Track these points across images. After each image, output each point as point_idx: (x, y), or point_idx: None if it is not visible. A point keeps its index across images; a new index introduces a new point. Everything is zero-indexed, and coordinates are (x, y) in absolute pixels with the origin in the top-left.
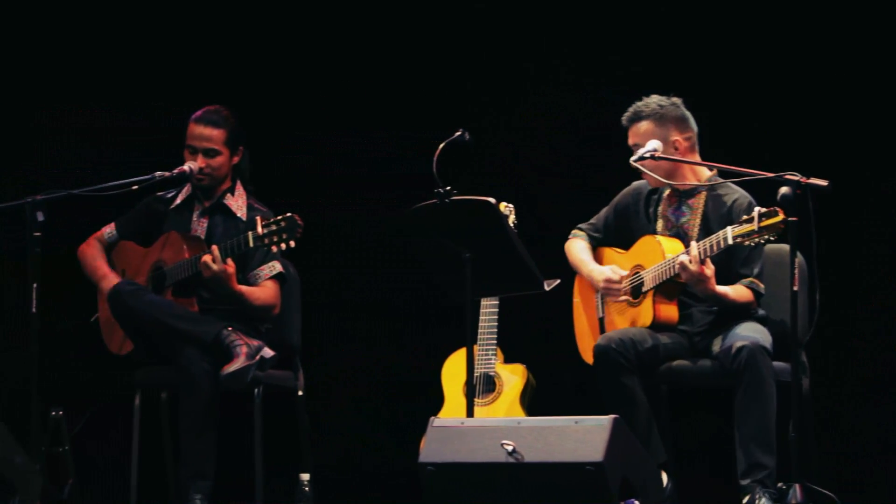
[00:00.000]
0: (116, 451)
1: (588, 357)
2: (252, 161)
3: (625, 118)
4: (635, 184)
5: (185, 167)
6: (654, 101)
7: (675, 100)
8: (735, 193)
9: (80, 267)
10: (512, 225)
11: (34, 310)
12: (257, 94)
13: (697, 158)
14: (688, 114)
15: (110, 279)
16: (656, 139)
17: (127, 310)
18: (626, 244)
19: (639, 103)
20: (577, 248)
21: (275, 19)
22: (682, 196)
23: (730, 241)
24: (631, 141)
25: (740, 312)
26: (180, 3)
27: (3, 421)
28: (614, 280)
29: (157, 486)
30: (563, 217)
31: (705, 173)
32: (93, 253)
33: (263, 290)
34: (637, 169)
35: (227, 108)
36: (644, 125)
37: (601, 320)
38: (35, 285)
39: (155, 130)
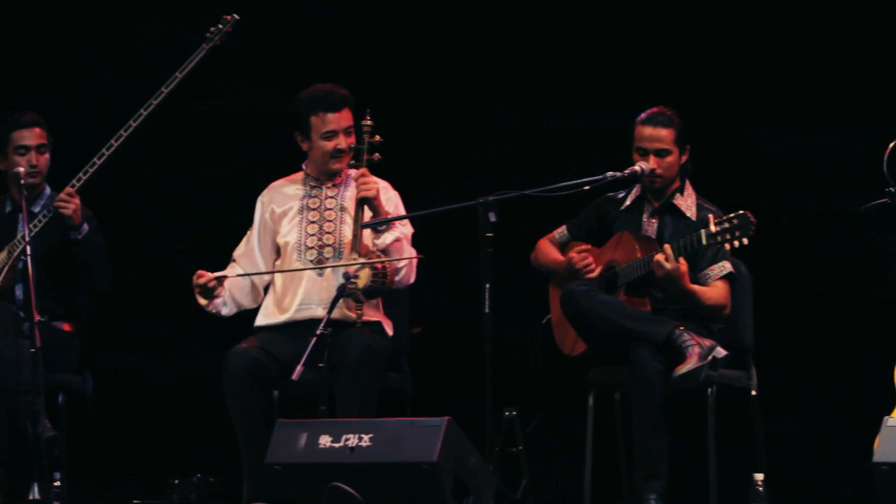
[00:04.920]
0: (570, 450)
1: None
2: (694, 160)
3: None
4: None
5: (637, 168)
6: None
7: None
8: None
9: (536, 267)
10: None
11: (487, 310)
12: (699, 95)
13: None
14: None
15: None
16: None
17: (579, 310)
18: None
19: None
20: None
21: (706, 21)
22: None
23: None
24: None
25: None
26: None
27: (456, 421)
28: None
29: (610, 486)
30: None
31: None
32: (547, 248)
33: (714, 290)
34: None
35: (671, 109)
36: None
37: None
38: (487, 286)
39: (602, 131)
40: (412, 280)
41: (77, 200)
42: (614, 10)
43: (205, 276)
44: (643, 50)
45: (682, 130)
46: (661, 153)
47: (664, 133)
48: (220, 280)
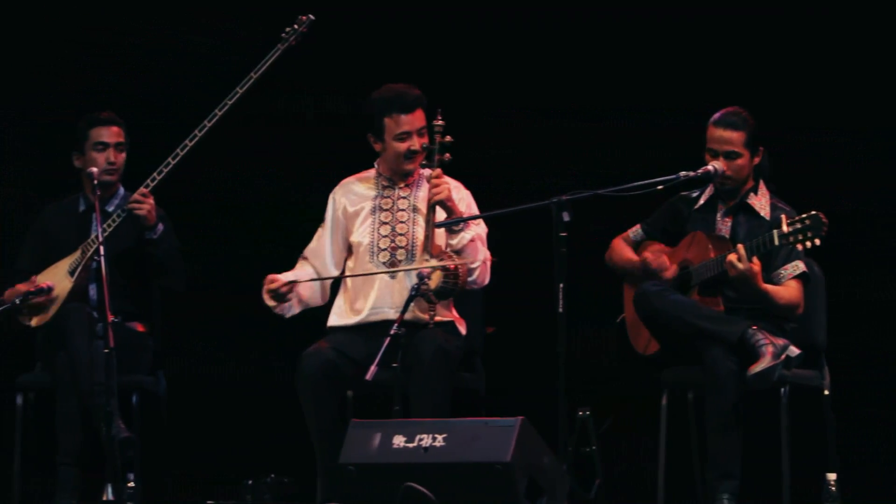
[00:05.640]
0: (643, 450)
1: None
2: (771, 160)
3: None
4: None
5: (710, 167)
6: None
7: None
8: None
9: (610, 267)
10: None
11: (561, 310)
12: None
13: None
14: None
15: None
16: None
17: (652, 310)
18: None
19: None
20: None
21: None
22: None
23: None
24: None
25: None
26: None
27: (529, 421)
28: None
29: (684, 486)
30: None
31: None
32: (621, 248)
33: (787, 290)
34: None
35: (745, 110)
36: None
37: None
38: (561, 286)
39: (676, 131)
40: (486, 281)
41: (151, 200)
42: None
43: (277, 282)
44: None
45: (755, 132)
46: (730, 156)
47: (734, 136)
48: (292, 285)
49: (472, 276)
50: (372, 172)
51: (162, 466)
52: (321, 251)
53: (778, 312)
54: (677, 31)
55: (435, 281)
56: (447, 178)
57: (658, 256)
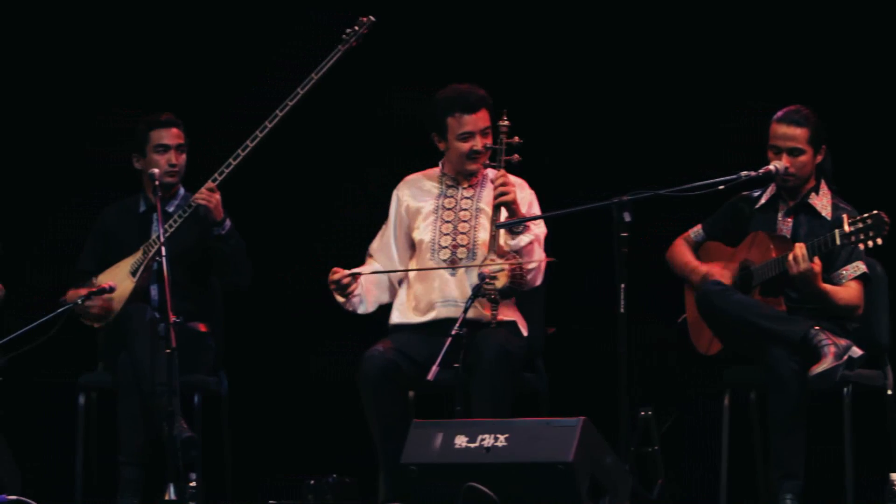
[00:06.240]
0: (705, 450)
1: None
2: (834, 160)
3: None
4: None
5: (771, 167)
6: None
7: None
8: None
9: (670, 267)
10: None
11: (622, 310)
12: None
13: None
14: None
15: (701, 270)
16: None
17: (714, 310)
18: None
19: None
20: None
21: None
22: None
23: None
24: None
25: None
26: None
27: (591, 421)
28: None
29: (746, 487)
30: None
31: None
32: (681, 250)
33: (847, 290)
34: None
35: (808, 108)
36: None
37: None
38: (622, 286)
39: (742, 130)
40: (538, 283)
41: (218, 196)
42: None
43: (339, 273)
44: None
45: (819, 130)
46: (793, 152)
47: (798, 132)
48: (355, 276)
49: (527, 278)
50: (436, 171)
51: (223, 466)
52: (386, 247)
53: (837, 313)
54: (741, 30)
55: (502, 280)
56: (511, 178)
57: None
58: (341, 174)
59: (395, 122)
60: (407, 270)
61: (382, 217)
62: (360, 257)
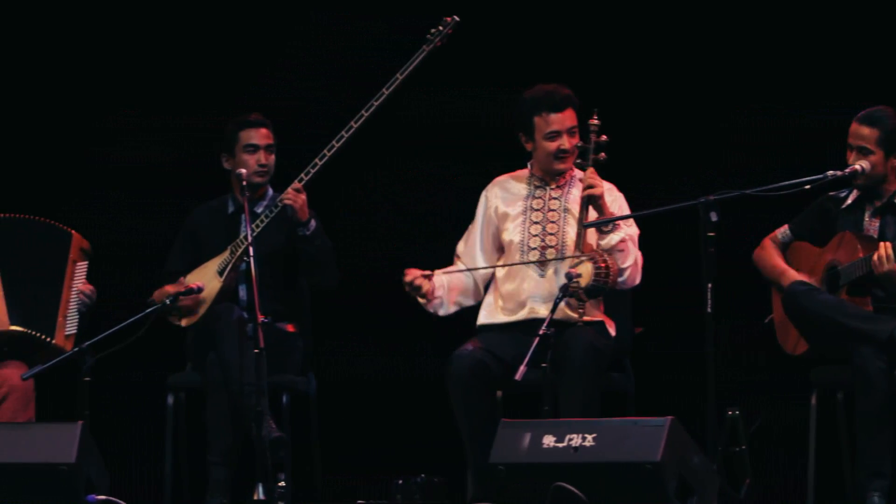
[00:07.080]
0: (793, 450)
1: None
2: None
3: None
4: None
5: (857, 166)
6: None
7: None
8: None
9: (757, 268)
10: None
11: (709, 310)
12: None
13: None
14: None
15: (789, 275)
16: None
17: (800, 310)
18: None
19: None
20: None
21: None
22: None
23: None
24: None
25: None
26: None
27: (679, 420)
28: None
29: (833, 487)
30: None
31: None
32: (769, 252)
33: None
34: None
35: (887, 107)
36: None
37: None
38: (710, 285)
39: (820, 129)
40: (637, 281)
41: (304, 196)
42: None
43: (411, 274)
44: None
45: (893, 131)
46: (862, 151)
47: (867, 132)
48: (429, 277)
49: (623, 277)
50: (525, 172)
51: (312, 466)
52: (472, 248)
53: None
54: (828, 28)
55: (586, 279)
56: (602, 181)
57: None
58: (429, 175)
59: (483, 122)
60: (487, 268)
61: (469, 217)
62: (443, 255)
